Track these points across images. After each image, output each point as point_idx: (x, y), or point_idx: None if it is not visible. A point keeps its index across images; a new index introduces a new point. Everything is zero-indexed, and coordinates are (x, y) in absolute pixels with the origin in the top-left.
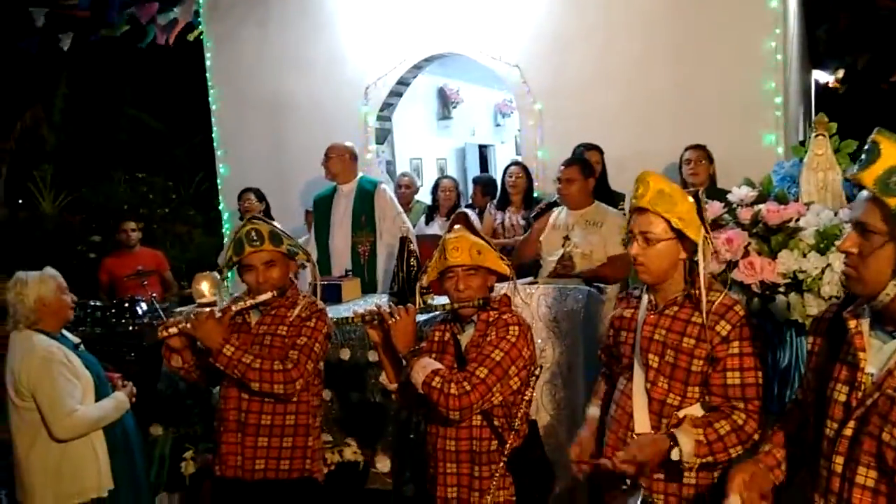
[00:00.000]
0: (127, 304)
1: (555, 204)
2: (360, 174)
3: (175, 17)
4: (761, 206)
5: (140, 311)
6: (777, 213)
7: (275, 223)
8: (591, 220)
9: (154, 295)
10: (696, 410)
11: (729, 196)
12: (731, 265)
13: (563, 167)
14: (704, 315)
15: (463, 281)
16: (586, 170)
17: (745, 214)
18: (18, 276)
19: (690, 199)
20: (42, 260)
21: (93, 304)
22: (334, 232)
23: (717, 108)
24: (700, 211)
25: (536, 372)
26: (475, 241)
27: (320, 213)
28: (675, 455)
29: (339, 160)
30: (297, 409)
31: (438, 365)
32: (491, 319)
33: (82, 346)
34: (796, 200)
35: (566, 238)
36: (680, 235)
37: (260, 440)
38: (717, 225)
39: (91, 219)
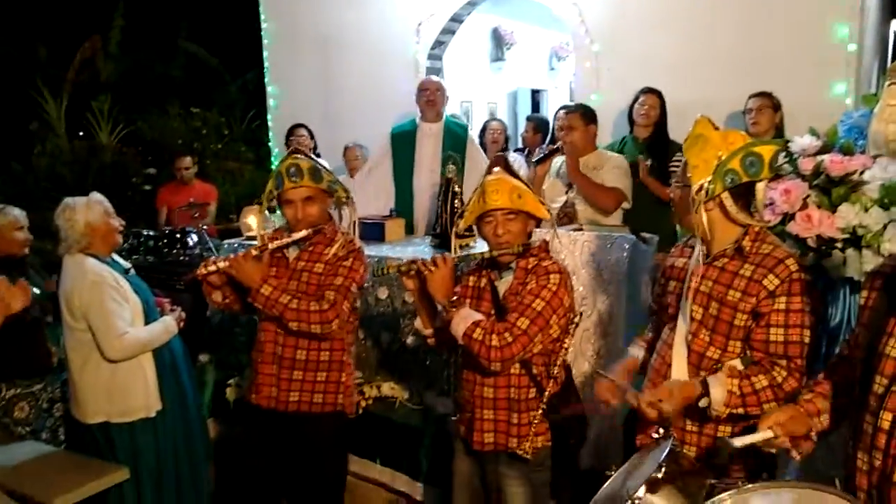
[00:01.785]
0: (178, 235)
1: (559, 148)
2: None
3: None
4: (824, 156)
5: (191, 242)
6: (841, 165)
7: (319, 160)
8: (591, 166)
9: (205, 227)
10: (736, 365)
11: (791, 145)
12: (788, 217)
13: (564, 113)
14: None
15: (502, 225)
16: (588, 117)
17: (806, 165)
18: (66, 202)
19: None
20: (99, 189)
21: (146, 233)
22: (419, 170)
23: (785, 53)
24: (727, 159)
25: (576, 320)
26: (515, 184)
27: (401, 149)
28: (703, 403)
29: (442, 96)
30: (331, 346)
31: (479, 315)
32: (530, 266)
33: (133, 272)
34: (863, 153)
35: (569, 185)
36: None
37: (295, 373)
38: (776, 175)
39: (146, 151)
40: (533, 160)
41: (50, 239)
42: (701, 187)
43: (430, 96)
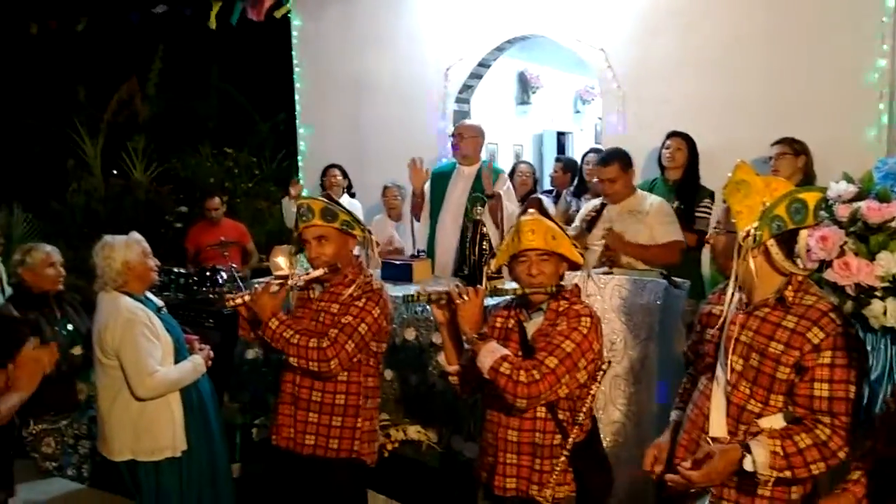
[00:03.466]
0: (208, 273)
1: (604, 206)
2: (483, 158)
3: None
4: (860, 203)
5: (220, 280)
6: (878, 212)
7: (334, 201)
8: (633, 210)
9: (234, 265)
10: (777, 421)
11: (826, 192)
12: (825, 265)
13: (600, 167)
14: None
15: (536, 266)
16: (626, 163)
17: (842, 211)
18: (106, 239)
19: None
20: (133, 227)
21: (176, 270)
22: (445, 209)
23: (814, 97)
24: (772, 206)
25: (604, 367)
26: (550, 225)
27: (435, 189)
28: (748, 465)
29: (474, 142)
30: (346, 389)
31: (506, 351)
32: (561, 309)
33: (164, 310)
34: None
35: (609, 230)
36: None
37: (310, 416)
38: None
39: (179, 189)
40: (583, 227)
41: (84, 276)
42: (748, 234)
43: (455, 141)
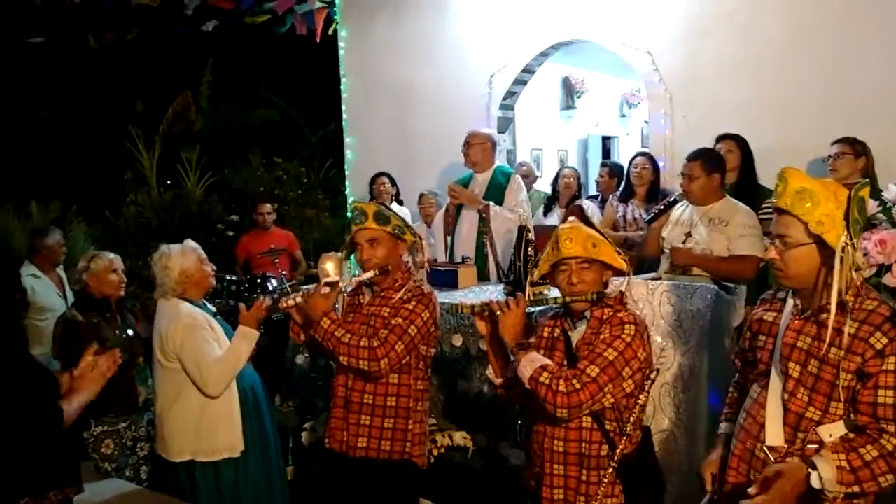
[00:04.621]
0: (259, 280)
1: (675, 202)
2: (496, 163)
3: (311, 8)
4: None
5: (270, 287)
6: None
7: (390, 207)
8: (716, 218)
9: (283, 272)
10: (838, 428)
11: (884, 194)
12: (884, 269)
13: (686, 161)
14: (831, 321)
15: (576, 274)
16: (710, 164)
17: None
18: (162, 249)
19: (842, 197)
20: (186, 236)
21: (228, 278)
22: (462, 219)
23: (872, 98)
24: (849, 211)
25: (652, 375)
26: (590, 233)
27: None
28: (815, 481)
29: (481, 148)
30: (397, 392)
31: (547, 360)
32: (605, 317)
33: (219, 316)
34: None
35: (688, 234)
36: (820, 240)
37: (362, 418)
38: (869, 224)
39: (231, 199)
40: (646, 219)
41: (139, 284)
42: (845, 245)
43: (464, 150)
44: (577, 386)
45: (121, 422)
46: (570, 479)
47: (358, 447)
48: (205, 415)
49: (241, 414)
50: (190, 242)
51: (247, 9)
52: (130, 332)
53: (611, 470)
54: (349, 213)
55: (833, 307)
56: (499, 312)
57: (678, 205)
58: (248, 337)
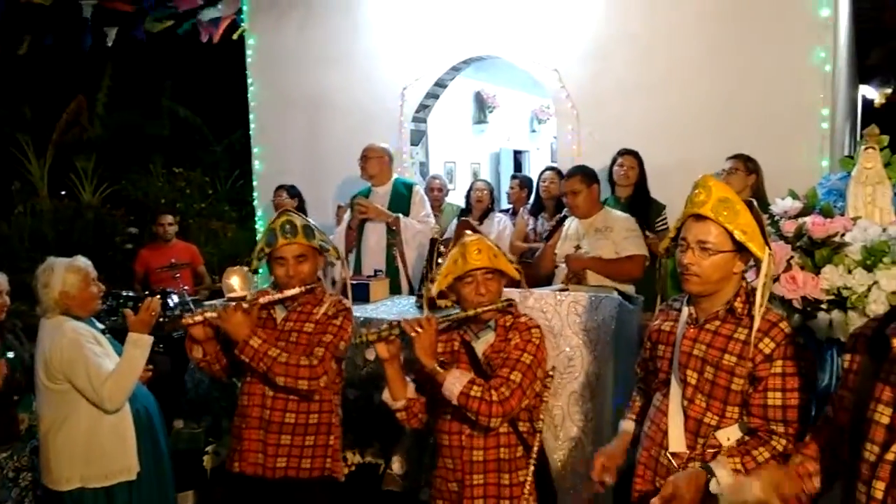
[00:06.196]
0: (158, 296)
1: (564, 219)
2: (394, 176)
3: (218, 15)
4: (805, 218)
5: (171, 303)
6: (822, 227)
7: (308, 219)
8: (601, 227)
9: (185, 287)
10: (734, 432)
11: (772, 208)
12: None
13: (564, 180)
14: (753, 332)
15: (483, 285)
16: (588, 177)
17: (788, 227)
18: (48, 262)
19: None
20: (81, 250)
21: (125, 294)
22: (368, 232)
23: (761, 118)
24: (760, 223)
25: (551, 373)
26: (491, 244)
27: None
28: (713, 487)
29: (378, 162)
30: (320, 408)
31: (471, 374)
32: (509, 323)
33: (108, 334)
34: (842, 215)
35: (577, 247)
36: (740, 248)
37: (283, 438)
38: None
39: (130, 211)
40: (544, 237)
41: (29, 301)
42: (769, 256)
43: (360, 163)
44: (507, 393)
45: (1, 452)
46: (489, 487)
47: (277, 468)
48: (95, 438)
49: (136, 434)
50: (79, 260)
51: (147, 8)
52: (11, 354)
53: (531, 468)
54: (258, 226)
55: (758, 316)
56: (412, 334)
57: (567, 222)
58: (139, 343)
